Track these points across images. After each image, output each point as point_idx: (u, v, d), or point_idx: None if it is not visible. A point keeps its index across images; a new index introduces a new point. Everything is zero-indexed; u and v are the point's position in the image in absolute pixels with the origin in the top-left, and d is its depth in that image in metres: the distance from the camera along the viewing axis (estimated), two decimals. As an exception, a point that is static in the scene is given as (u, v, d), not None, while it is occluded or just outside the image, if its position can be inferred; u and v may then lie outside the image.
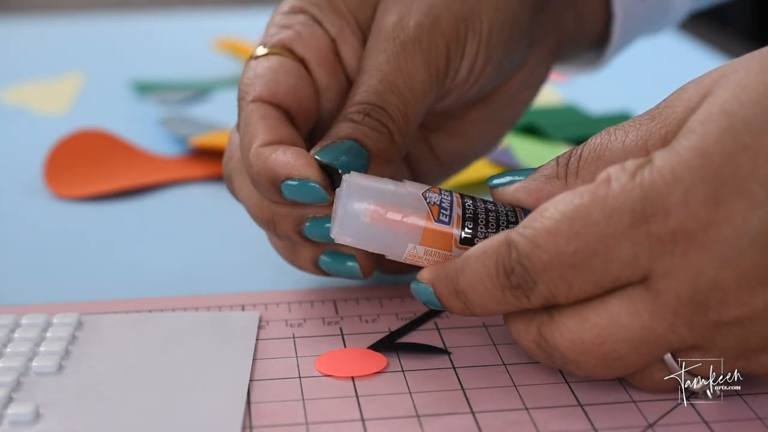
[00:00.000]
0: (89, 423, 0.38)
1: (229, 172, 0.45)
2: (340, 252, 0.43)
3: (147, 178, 0.61)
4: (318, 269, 0.44)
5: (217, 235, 0.55)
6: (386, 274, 0.46)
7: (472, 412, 0.38)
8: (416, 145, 0.48)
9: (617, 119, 0.70)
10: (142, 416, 0.38)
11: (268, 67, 0.43)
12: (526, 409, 0.38)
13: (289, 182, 0.40)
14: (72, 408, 0.38)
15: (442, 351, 0.42)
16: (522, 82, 0.48)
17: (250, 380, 0.40)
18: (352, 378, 0.40)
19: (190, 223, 0.57)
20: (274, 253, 0.52)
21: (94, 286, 0.49)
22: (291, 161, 0.40)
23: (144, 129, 0.70)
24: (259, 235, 0.55)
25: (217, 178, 0.62)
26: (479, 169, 0.62)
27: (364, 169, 0.41)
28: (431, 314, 0.45)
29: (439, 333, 0.44)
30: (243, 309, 0.46)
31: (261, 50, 0.44)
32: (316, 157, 0.41)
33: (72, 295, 0.48)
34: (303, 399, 0.39)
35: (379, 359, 0.41)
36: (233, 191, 0.45)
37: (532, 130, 0.68)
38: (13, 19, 1.11)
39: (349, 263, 0.43)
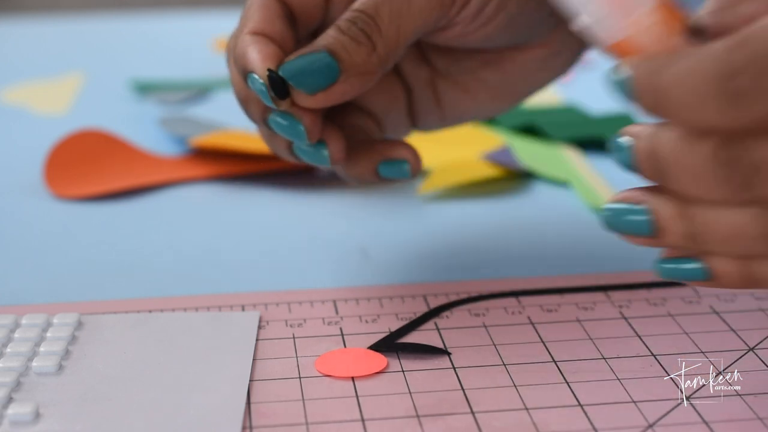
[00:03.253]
0: (89, 423, 0.38)
1: (228, 50, 0.46)
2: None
3: (147, 178, 0.61)
4: (292, 155, 0.46)
5: (217, 235, 0.55)
6: (354, 176, 0.46)
7: (472, 412, 0.38)
8: (422, 85, 0.48)
9: (617, 119, 0.70)
10: (142, 416, 0.38)
11: None
12: (526, 409, 0.38)
13: (253, 76, 0.42)
14: (72, 408, 0.38)
15: (442, 351, 0.42)
16: (541, 59, 0.47)
17: (250, 380, 0.40)
18: (352, 378, 0.40)
19: (190, 223, 0.57)
20: (274, 253, 0.53)
21: (94, 286, 0.49)
22: (256, 59, 0.42)
23: (144, 129, 0.70)
24: (259, 235, 0.55)
25: (217, 178, 0.62)
26: (479, 170, 0.62)
27: (331, 81, 0.42)
28: (431, 314, 0.45)
29: (439, 333, 0.44)
30: (243, 309, 0.46)
31: None
32: (269, 69, 0.42)
33: (72, 295, 0.48)
34: (303, 399, 0.39)
35: (379, 359, 0.41)
36: (228, 65, 0.47)
37: (532, 130, 0.68)
38: (13, 19, 1.11)
39: (320, 151, 0.44)
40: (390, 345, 0.42)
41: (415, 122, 0.49)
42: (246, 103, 0.45)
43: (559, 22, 0.46)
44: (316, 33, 0.45)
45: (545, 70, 0.48)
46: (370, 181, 0.46)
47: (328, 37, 0.42)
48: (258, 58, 0.42)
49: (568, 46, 0.48)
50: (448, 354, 0.42)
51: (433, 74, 0.48)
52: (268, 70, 0.42)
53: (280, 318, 0.45)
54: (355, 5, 0.43)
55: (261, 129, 0.46)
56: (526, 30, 0.46)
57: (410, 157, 0.46)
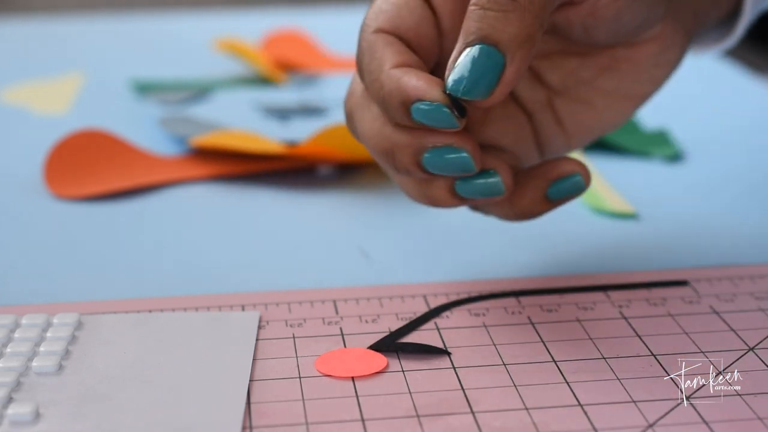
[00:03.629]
0: (89, 423, 0.38)
1: (350, 109, 0.45)
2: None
3: (147, 178, 0.61)
4: (455, 197, 0.43)
5: (217, 235, 0.55)
6: (521, 210, 0.45)
7: (472, 412, 0.38)
8: (541, 108, 0.47)
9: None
10: (142, 416, 0.38)
11: (392, 2, 0.44)
12: (526, 409, 0.38)
13: (420, 105, 0.40)
14: (72, 408, 0.38)
15: (442, 351, 0.42)
16: (652, 56, 0.47)
17: (250, 380, 0.40)
18: (352, 378, 0.40)
19: (190, 223, 0.57)
20: (274, 253, 0.53)
21: (94, 286, 0.49)
22: (423, 85, 0.40)
23: (144, 129, 0.70)
24: (259, 235, 0.55)
25: (217, 178, 0.62)
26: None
27: (500, 72, 0.39)
28: (431, 314, 0.45)
29: (439, 333, 0.44)
30: (243, 309, 0.46)
31: None
32: (443, 91, 0.40)
33: (72, 295, 0.48)
34: (303, 399, 0.39)
35: (379, 359, 0.41)
36: (353, 128, 0.45)
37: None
38: (13, 19, 1.11)
39: (491, 179, 0.43)
40: (390, 345, 0.42)
41: (542, 149, 0.48)
42: (392, 152, 0.42)
43: (667, 11, 0.46)
44: (433, 72, 0.44)
45: (659, 66, 0.47)
46: (538, 212, 0.45)
47: (472, 23, 0.40)
48: (422, 84, 0.40)
49: (676, 40, 0.47)
50: (448, 354, 0.42)
51: (549, 94, 0.47)
52: (443, 92, 0.40)
53: (280, 318, 0.45)
54: None
55: (412, 176, 0.44)
56: (647, 15, 0.45)
57: (579, 168, 0.44)
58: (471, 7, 0.40)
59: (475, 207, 0.47)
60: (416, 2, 0.44)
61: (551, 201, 0.45)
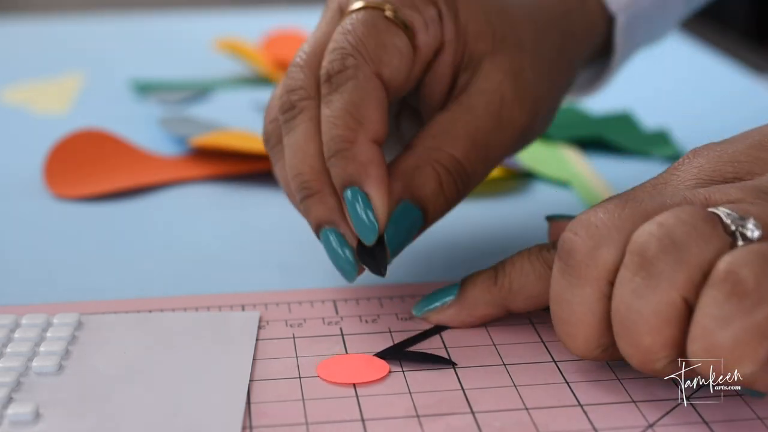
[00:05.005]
0: (89, 423, 0.38)
1: (267, 135, 0.47)
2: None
3: (147, 178, 0.61)
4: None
5: (217, 235, 0.55)
6: None
7: (472, 412, 0.38)
8: (412, 127, 0.49)
9: (618, 119, 0.70)
10: (142, 416, 0.38)
11: (394, 44, 0.43)
12: (526, 409, 0.38)
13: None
14: (72, 408, 0.38)
15: (447, 362, 0.41)
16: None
17: (250, 380, 0.40)
18: (352, 378, 0.40)
19: (190, 223, 0.57)
20: (274, 253, 0.53)
21: (94, 286, 0.49)
22: (381, 208, 0.42)
23: (144, 129, 0.70)
24: (259, 236, 0.55)
25: (217, 178, 0.62)
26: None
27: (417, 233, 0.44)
28: (436, 330, 0.45)
29: (440, 333, 0.44)
30: (243, 309, 0.46)
31: (389, 12, 0.44)
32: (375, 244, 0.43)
33: (72, 295, 0.48)
34: (303, 399, 0.39)
35: (381, 366, 0.41)
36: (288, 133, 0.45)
37: (532, 130, 0.68)
38: (13, 19, 1.11)
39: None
40: (396, 354, 0.42)
41: None
42: (312, 196, 0.44)
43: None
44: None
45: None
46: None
47: (429, 183, 0.43)
48: (381, 204, 0.42)
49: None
50: (454, 365, 0.41)
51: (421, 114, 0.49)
52: (374, 244, 0.42)
53: (280, 318, 0.45)
54: (456, 152, 0.44)
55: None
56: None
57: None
58: (431, 170, 0.43)
59: None
60: (407, 48, 0.44)
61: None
